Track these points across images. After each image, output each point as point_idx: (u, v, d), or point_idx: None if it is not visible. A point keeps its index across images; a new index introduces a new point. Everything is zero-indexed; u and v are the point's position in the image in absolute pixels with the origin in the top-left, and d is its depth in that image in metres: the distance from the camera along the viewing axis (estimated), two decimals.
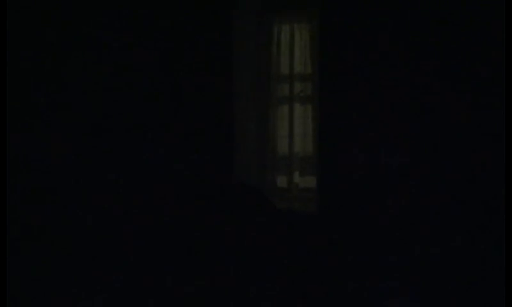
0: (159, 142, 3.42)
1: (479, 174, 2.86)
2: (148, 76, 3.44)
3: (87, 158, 3.40)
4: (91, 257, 3.26)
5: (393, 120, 3.04)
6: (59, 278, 3.20)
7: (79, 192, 3.37)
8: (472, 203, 2.87)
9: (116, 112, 3.43)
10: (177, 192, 3.31)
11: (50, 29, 3.36)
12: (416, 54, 2.99)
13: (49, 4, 3.34)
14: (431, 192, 2.95)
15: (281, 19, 3.51)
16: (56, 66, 3.38)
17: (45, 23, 3.35)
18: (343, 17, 3.13)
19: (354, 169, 3.10)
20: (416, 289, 2.90)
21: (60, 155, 3.39)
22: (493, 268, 2.77)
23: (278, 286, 3.01)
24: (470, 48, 2.87)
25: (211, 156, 3.38)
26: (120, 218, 3.32)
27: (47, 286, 3.16)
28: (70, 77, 3.40)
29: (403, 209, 2.99)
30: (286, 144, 3.52)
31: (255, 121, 3.54)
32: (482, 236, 2.84)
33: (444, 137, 2.94)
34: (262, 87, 3.53)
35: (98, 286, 3.15)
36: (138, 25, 3.43)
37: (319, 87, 3.24)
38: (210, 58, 3.39)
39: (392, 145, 3.04)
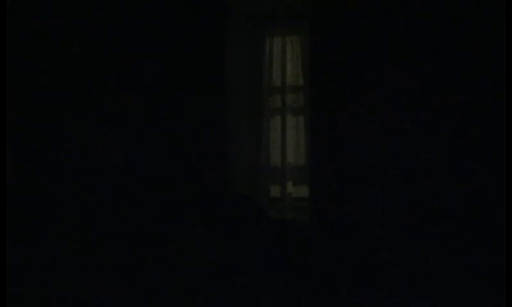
0: (150, 152, 3.42)
1: (478, 181, 2.90)
2: (140, 86, 3.45)
3: (80, 161, 3.41)
4: (79, 263, 3.26)
5: (385, 129, 3.07)
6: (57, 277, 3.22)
7: (68, 197, 3.38)
8: (470, 211, 2.90)
9: (108, 119, 3.44)
10: (169, 202, 3.31)
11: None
12: (408, 64, 3.03)
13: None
14: (427, 200, 2.97)
15: (273, 31, 3.56)
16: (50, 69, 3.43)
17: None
18: (334, 29, 3.17)
19: (347, 178, 3.13)
20: (412, 299, 2.92)
21: (57, 155, 3.41)
22: (493, 268, 2.79)
23: (272, 296, 3.02)
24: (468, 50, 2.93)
25: (203, 166, 3.39)
26: (111, 227, 3.32)
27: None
28: (63, 76, 3.44)
29: (398, 218, 3.01)
30: (279, 154, 3.56)
31: (248, 132, 3.58)
32: (481, 243, 2.86)
33: (441, 142, 2.97)
34: (255, 98, 3.57)
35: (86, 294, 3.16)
36: (130, 37, 3.45)
37: (311, 98, 3.28)
38: (202, 70, 3.41)
39: (385, 154, 3.07)
